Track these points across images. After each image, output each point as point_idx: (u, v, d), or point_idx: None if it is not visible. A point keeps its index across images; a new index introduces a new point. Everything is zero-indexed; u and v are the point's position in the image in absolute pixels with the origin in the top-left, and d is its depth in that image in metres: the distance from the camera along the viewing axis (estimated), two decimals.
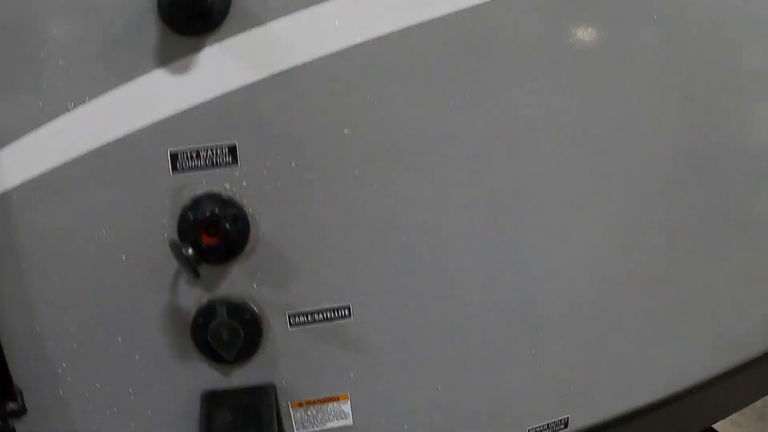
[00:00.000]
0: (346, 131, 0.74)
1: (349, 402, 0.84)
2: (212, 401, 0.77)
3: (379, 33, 0.73)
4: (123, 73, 0.71)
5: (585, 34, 0.80)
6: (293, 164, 0.73)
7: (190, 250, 0.69)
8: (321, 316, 0.78)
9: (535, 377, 0.90)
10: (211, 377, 0.79)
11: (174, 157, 0.73)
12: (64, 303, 0.77)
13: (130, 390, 0.79)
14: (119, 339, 0.78)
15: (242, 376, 0.80)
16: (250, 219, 0.73)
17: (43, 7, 0.70)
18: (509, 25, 0.76)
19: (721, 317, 1.04)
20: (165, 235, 0.74)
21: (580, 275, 0.88)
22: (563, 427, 0.97)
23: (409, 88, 0.74)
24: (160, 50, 0.71)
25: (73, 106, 0.71)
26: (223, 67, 0.72)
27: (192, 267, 0.68)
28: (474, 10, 0.74)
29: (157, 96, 0.72)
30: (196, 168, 0.73)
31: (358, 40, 0.73)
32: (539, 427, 0.95)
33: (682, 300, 0.98)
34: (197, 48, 0.71)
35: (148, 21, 0.70)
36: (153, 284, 0.76)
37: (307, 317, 0.78)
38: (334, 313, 0.78)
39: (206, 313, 0.76)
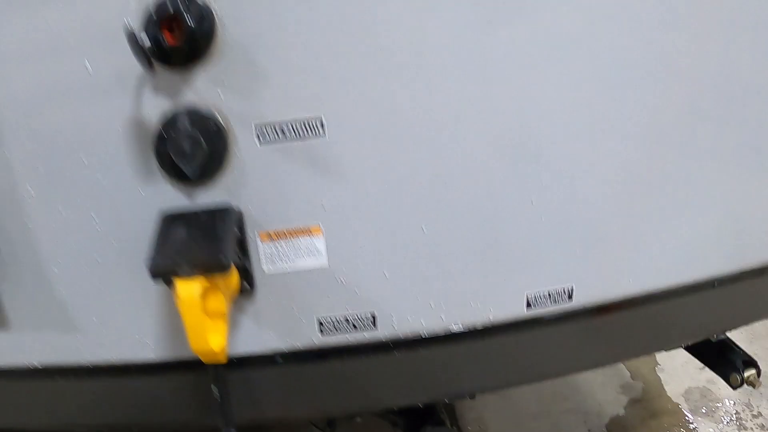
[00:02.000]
0: None
1: (322, 237, 0.80)
2: (170, 221, 0.75)
3: None
4: None
5: None
6: None
7: (147, 41, 0.67)
8: (291, 129, 0.74)
9: (537, 228, 0.83)
10: (175, 199, 0.77)
11: None
12: (27, 120, 0.76)
13: (93, 215, 0.77)
14: (83, 159, 0.76)
15: (207, 198, 0.77)
16: (216, 17, 0.71)
17: None
18: None
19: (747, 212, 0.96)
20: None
21: (593, 107, 0.81)
22: (567, 298, 0.90)
23: None
24: None
25: None
26: None
27: (146, 56, 0.66)
28: None
29: None
30: None
31: None
32: (540, 294, 0.88)
33: (707, 177, 0.91)
34: None
35: None
36: (117, 94, 0.73)
37: (275, 130, 0.75)
38: (305, 126, 0.74)
39: (170, 125, 0.73)
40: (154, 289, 0.80)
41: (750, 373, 1.19)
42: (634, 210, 0.87)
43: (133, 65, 0.71)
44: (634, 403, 1.77)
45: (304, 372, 0.87)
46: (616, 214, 0.86)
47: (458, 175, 0.79)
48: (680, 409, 1.62)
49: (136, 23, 0.71)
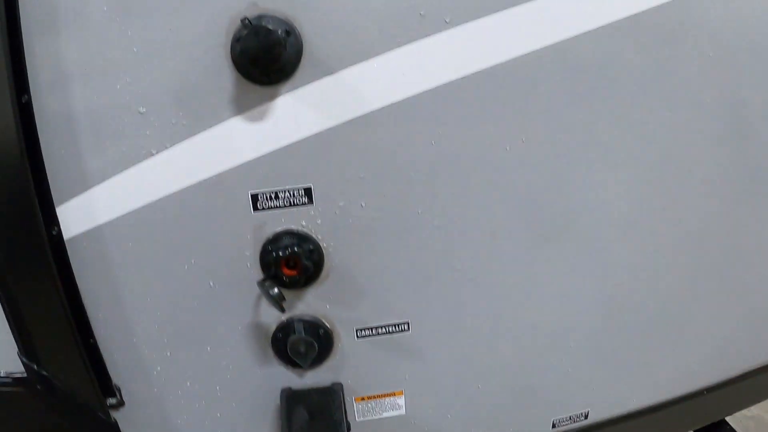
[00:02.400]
0: (412, 174, 0.86)
1: (403, 397, 1.02)
2: (291, 399, 0.95)
3: (445, 80, 0.83)
4: (201, 121, 0.83)
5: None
6: (363, 204, 0.86)
7: (276, 290, 0.83)
8: (384, 330, 0.94)
9: (562, 377, 1.07)
10: (287, 377, 0.97)
11: (254, 198, 0.85)
12: (158, 320, 0.93)
13: (217, 387, 0.97)
14: (208, 348, 0.94)
15: (314, 377, 0.97)
16: (324, 251, 0.87)
17: (122, 56, 0.79)
18: (563, 72, 0.86)
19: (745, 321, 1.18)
20: (248, 264, 0.89)
21: (603, 292, 1.02)
22: (584, 418, 1.16)
23: (471, 133, 0.85)
24: (236, 99, 0.82)
25: (156, 152, 0.84)
26: (297, 114, 0.82)
27: (279, 304, 0.83)
28: (531, 56, 0.83)
29: (235, 142, 0.83)
30: (275, 207, 0.86)
31: (424, 87, 0.83)
32: (563, 418, 1.14)
33: (704, 305, 1.11)
34: (272, 96, 0.82)
35: (222, 70, 0.80)
36: (237, 305, 0.91)
37: (371, 331, 0.94)
38: (395, 327, 0.94)
39: (285, 328, 0.91)
40: None
41: None
42: (636, 348, 1.11)
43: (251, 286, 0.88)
44: None
45: None
46: (623, 355, 1.10)
47: (506, 352, 1.01)
48: None
49: (253, 255, 0.87)
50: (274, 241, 0.86)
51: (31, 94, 0.81)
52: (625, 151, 0.91)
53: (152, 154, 0.84)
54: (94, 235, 0.88)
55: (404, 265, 0.90)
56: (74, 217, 0.87)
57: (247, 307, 0.91)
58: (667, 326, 1.09)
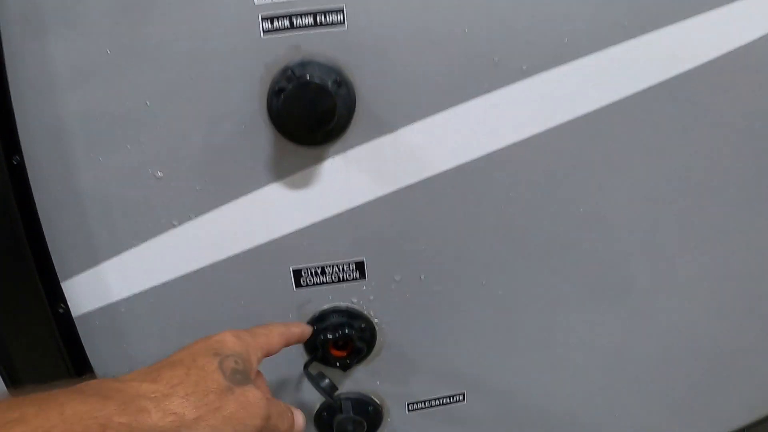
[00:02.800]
0: (478, 242, 0.75)
1: None
2: None
3: (511, 140, 0.72)
4: (231, 187, 0.70)
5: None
6: (422, 277, 0.76)
7: (327, 380, 0.73)
8: (438, 402, 0.86)
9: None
10: None
11: (297, 273, 0.74)
12: None
13: None
14: None
15: None
16: (376, 329, 0.78)
17: (133, 110, 0.65)
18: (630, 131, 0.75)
19: None
20: (292, 348, 0.78)
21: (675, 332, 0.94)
22: None
23: (538, 197, 0.75)
24: (274, 162, 0.69)
25: (179, 223, 0.71)
26: (348, 179, 0.70)
27: (330, 396, 0.74)
28: (595, 116, 0.72)
29: (274, 212, 0.71)
30: (321, 284, 0.75)
31: (496, 145, 0.72)
32: None
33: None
34: (318, 159, 0.69)
35: (258, 128, 0.67)
36: (277, 386, 0.81)
37: (424, 404, 0.86)
38: (449, 399, 0.86)
39: (330, 407, 0.82)
40: None
41: None
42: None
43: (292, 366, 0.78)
44: None
45: None
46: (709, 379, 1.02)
47: (564, 413, 0.94)
48: None
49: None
50: (321, 319, 0.76)
51: (23, 153, 0.67)
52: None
53: (173, 226, 0.71)
54: (108, 313, 0.76)
55: (463, 336, 0.81)
56: (84, 292, 0.75)
57: (288, 388, 0.82)
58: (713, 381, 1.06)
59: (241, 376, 0.53)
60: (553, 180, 0.75)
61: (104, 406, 0.44)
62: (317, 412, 0.83)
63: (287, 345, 0.66)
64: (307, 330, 0.72)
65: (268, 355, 0.62)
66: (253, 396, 0.52)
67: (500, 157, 0.72)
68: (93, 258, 0.73)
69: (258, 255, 0.72)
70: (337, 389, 0.74)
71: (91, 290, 0.76)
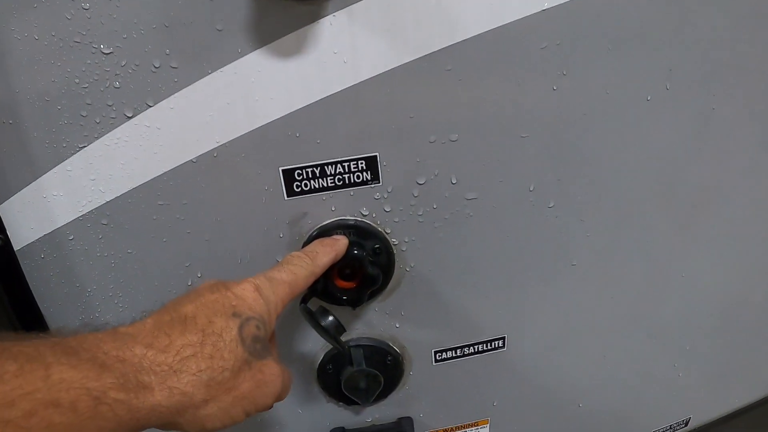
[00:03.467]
0: (524, 133, 0.58)
1: (487, 426, 0.80)
2: None
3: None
4: (202, 60, 0.52)
5: None
6: (453, 180, 0.59)
7: (330, 318, 0.57)
8: (473, 349, 0.70)
9: (669, 384, 0.87)
10: (339, 417, 0.73)
11: (288, 175, 0.57)
12: None
13: None
14: None
15: (376, 412, 0.73)
16: (394, 251, 0.61)
17: None
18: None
19: None
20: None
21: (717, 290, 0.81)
22: (684, 426, 0.98)
23: (606, 74, 0.57)
24: (258, 21, 0.52)
25: (133, 114, 0.54)
26: (353, 45, 0.53)
27: (336, 339, 0.57)
28: None
29: (257, 91, 0.54)
30: (321, 189, 0.58)
31: (543, 5, 0.55)
32: (663, 429, 0.95)
33: None
34: (314, 16, 0.52)
35: None
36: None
37: (455, 352, 0.69)
38: (487, 345, 0.70)
39: (337, 359, 0.66)
40: None
41: None
42: (746, 346, 0.91)
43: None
44: None
45: None
46: (733, 354, 0.90)
47: (615, 357, 0.79)
48: None
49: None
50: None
51: None
52: None
53: (127, 118, 0.55)
54: (55, 242, 0.60)
55: (504, 262, 0.64)
56: (25, 217, 0.59)
57: (281, 331, 0.66)
58: None
59: (261, 345, 0.47)
60: (621, 52, 0.58)
61: (100, 377, 0.38)
62: (320, 365, 0.67)
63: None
64: (342, 248, 0.57)
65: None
66: (270, 372, 0.47)
67: (555, 16, 0.55)
68: (31, 170, 0.57)
69: (236, 152, 0.55)
70: (344, 330, 0.58)
71: (32, 213, 0.59)
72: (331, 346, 0.65)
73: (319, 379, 0.67)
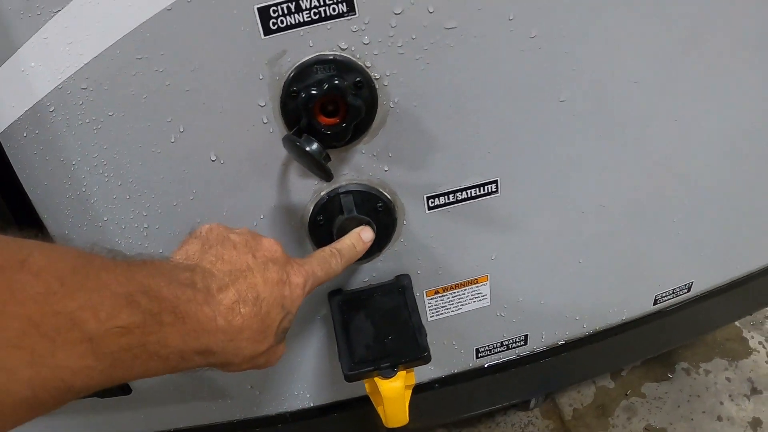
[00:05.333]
0: None
1: (488, 283, 0.84)
2: (344, 306, 0.75)
3: None
4: None
5: None
6: (430, 9, 0.61)
7: (315, 145, 0.59)
8: (465, 194, 0.73)
9: (669, 246, 0.91)
10: (336, 277, 0.75)
11: (264, 13, 0.59)
12: (147, 221, 0.70)
13: None
14: None
15: (372, 270, 0.77)
16: (376, 85, 0.63)
17: None
18: None
19: None
20: (264, 120, 0.65)
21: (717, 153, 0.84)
22: (686, 291, 1.02)
23: None
24: None
25: None
26: None
27: (323, 167, 0.60)
28: None
29: None
30: (297, 25, 0.60)
31: None
32: (665, 292, 0.99)
33: None
34: None
35: None
36: (254, 183, 0.68)
37: (448, 197, 0.73)
38: (480, 189, 0.73)
39: (327, 207, 0.70)
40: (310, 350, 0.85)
41: None
42: (749, 210, 0.95)
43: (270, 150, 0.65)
44: None
45: (456, 390, 0.96)
46: (736, 217, 0.94)
47: (618, 209, 0.83)
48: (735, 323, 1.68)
49: (271, 105, 0.63)
50: (301, 77, 0.61)
51: None
52: None
53: None
54: (38, 117, 0.62)
55: (490, 98, 0.67)
56: (5, 97, 0.61)
57: (268, 185, 0.68)
58: None
59: (284, 334, 0.60)
60: None
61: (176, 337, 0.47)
62: (311, 218, 0.70)
63: None
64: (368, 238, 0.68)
65: None
66: (279, 353, 0.60)
67: None
68: (8, 44, 0.59)
69: None
70: (329, 158, 0.61)
71: (12, 90, 0.61)
72: (319, 198, 0.69)
73: (312, 235, 0.71)
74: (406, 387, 0.75)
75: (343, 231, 0.69)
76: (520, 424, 1.40)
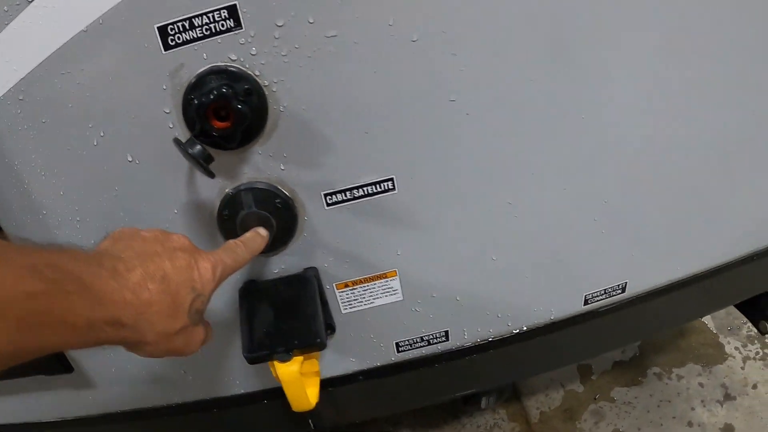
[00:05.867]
0: None
1: (397, 278, 0.90)
2: (251, 296, 0.83)
3: None
4: None
5: None
6: (310, 19, 0.70)
7: (198, 147, 0.69)
8: (362, 192, 0.81)
9: (595, 244, 0.94)
10: (248, 269, 0.84)
11: (163, 32, 0.69)
12: (74, 215, 0.80)
13: None
14: None
15: (282, 263, 0.85)
16: (266, 92, 0.72)
17: None
18: None
19: None
20: (170, 125, 0.74)
21: (647, 136, 0.87)
22: (620, 291, 1.04)
23: None
24: None
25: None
26: None
27: (203, 165, 0.69)
28: None
29: None
30: (193, 40, 0.70)
31: None
32: (596, 293, 1.01)
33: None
34: None
35: None
36: (167, 182, 0.77)
37: (345, 194, 0.80)
38: (376, 187, 0.80)
39: (232, 203, 0.78)
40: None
41: None
42: (681, 208, 0.97)
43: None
44: None
45: (382, 383, 1.02)
46: (666, 216, 0.96)
47: (527, 208, 0.87)
48: (707, 327, 1.70)
49: (176, 110, 0.72)
50: (197, 86, 0.71)
51: None
52: None
53: (28, 3, 0.67)
54: None
55: (378, 99, 0.74)
56: None
57: (179, 183, 0.77)
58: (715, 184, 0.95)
59: (198, 316, 0.64)
60: None
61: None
62: (218, 212, 0.79)
63: None
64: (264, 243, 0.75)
65: None
66: (196, 337, 0.65)
67: None
68: None
69: (117, 17, 0.68)
70: (212, 159, 0.70)
71: None
72: (224, 195, 0.78)
73: (221, 229, 0.80)
74: (308, 373, 0.82)
75: (245, 224, 0.77)
76: (486, 426, 1.43)
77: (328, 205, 0.81)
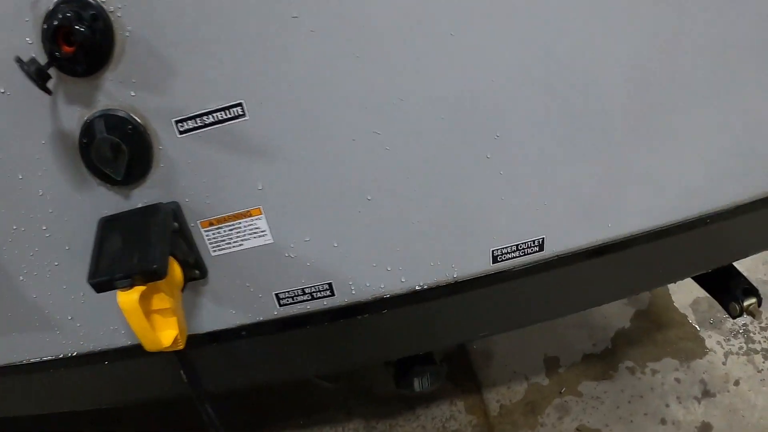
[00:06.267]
0: None
1: (263, 217, 0.90)
2: (105, 227, 0.85)
3: None
4: None
5: None
6: None
7: (34, 66, 0.74)
8: (212, 118, 0.82)
9: (496, 188, 0.89)
10: (112, 202, 0.87)
11: None
12: None
13: (44, 227, 0.89)
14: (19, 176, 0.86)
15: (143, 197, 0.87)
16: (111, 17, 0.78)
17: None
18: None
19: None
20: (34, 55, 0.80)
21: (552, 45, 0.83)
22: (537, 249, 0.95)
23: None
24: None
25: None
26: None
27: (37, 82, 0.74)
28: None
29: None
30: None
31: None
32: (507, 248, 0.94)
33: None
34: None
35: None
36: (33, 112, 0.82)
37: (195, 121, 0.83)
38: (225, 113, 0.82)
39: (88, 131, 0.82)
40: None
41: (750, 302, 1.18)
42: (613, 156, 0.90)
43: None
44: (641, 315, 1.80)
45: (271, 341, 1.00)
46: (579, 161, 0.90)
47: (400, 139, 0.86)
48: (687, 320, 1.65)
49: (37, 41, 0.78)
50: (52, 15, 0.76)
51: None
52: None
53: None
54: None
55: (221, 20, 0.76)
56: None
57: (44, 111, 0.82)
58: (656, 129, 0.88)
59: None
60: None
61: None
62: (79, 141, 0.83)
63: None
64: None
65: None
66: None
67: None
68: None
69: None
70: (48, 76, 0.74)
71: None
72: (85, 123, 0.81)
73: (82, 156, 0.83)
74: (163, 311, 0.81)
75: (98, 151, 0.80)
76: (442, 418, 1.34)
77: (181, 133, 0.84)
